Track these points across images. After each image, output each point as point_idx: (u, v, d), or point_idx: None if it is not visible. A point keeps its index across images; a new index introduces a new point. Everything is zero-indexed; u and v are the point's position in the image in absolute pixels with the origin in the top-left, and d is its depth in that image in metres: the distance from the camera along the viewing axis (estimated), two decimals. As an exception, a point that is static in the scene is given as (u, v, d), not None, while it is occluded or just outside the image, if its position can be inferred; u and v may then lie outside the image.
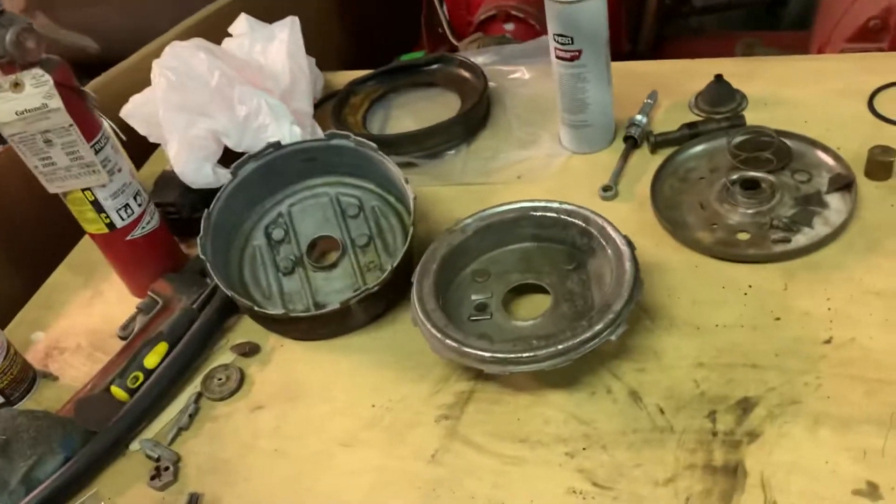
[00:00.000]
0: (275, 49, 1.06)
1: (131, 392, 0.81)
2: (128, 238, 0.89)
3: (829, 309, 0.73)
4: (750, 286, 0.77)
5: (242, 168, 0.89)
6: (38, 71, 0.75)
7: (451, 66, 1.15)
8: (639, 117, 0.97)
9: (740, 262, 0.80)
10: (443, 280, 0.79)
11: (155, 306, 0.89)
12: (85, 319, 0.95)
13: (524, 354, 0.68)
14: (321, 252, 0.92)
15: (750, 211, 0.83)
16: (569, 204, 0.81)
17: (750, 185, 0.85)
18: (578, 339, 0.68)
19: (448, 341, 0.71)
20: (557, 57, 0.90)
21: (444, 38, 1.61)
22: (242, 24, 1.12)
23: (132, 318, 0.90)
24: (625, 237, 0.76)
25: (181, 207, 0.98)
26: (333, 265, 0.89)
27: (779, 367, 0.70)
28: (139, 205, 0.89)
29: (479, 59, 1.16)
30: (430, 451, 0.71)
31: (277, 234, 0.92)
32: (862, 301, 0.73)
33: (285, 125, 0.95)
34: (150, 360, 0.83)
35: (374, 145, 0.88)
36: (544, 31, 1.25)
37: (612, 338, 0.69)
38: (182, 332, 0.86)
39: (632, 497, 0.64)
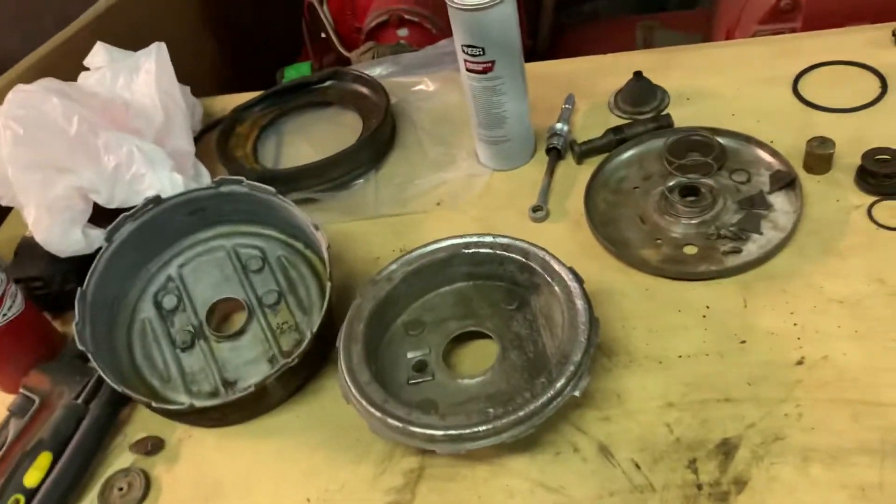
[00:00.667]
0: (142, 81, 0.92)
1: (11, 520, 0.67)
2: (-13, 329, 0.74)
3: (794, 325, 0.68)
4: (707, 307, 0.71)
5: (119, 231, 0.76)
6: None
7: (346, 81, 1.04)
8: (559, 125, 0.89)
9: (692, 279, 0.73)
10: (373, 341, 0.69)
11: (31, 405, 0.75)
12: (-56, 429, 0.79)
13: (481, 428, 0.59)
14: (223, 317, 0.80)
15: (693, 221, 0.77)
16: (504, 237, 0.72)
17: (689, 192, 0.79)
18: (540, 402, 0.59)
19: (390, 420, 0.61)
20: (468, 70, 0.81)
21: (330, 47, 1.49)
22: (100, 55, 0.98)
23: (4, 424, 0.75)
24: (570, 270, 0.68)
25: (50, 280, 0.83)
26: (240, 332, 0.77)
27: (754, 399, 0.64)
28: (-5, 289, 0.74)
29: (375, 72, 1.06)
30: (383, 549, 0.61)
31: (169, 301, 0.79)
32: (827, 311, 0.68)
33: (164, 173, 0.82)
34: (32, 478, 0.69)
35: (271, 189, 0.77)
36: (442, 35, 1.16)
37: (577, 393, 0.60)
38: (68, 435, 0.72)
39: (621, 576, 0.56)
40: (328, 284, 0.72)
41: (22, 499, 0.68)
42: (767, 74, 0.92)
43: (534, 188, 0.86)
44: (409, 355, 0.70)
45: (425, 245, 0.73)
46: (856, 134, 0.81)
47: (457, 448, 0.59)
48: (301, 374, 0.72)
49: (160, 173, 0.82)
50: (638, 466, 0.62)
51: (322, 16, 1.26)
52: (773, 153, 0.80)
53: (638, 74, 0.91)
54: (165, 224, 0.79)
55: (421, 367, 0.69)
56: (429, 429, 0.60)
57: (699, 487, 0.59)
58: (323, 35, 1.43)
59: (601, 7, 1.64)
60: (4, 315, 0.75)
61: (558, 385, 0.60)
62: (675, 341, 0.69)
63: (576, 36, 1.45)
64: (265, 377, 0.67)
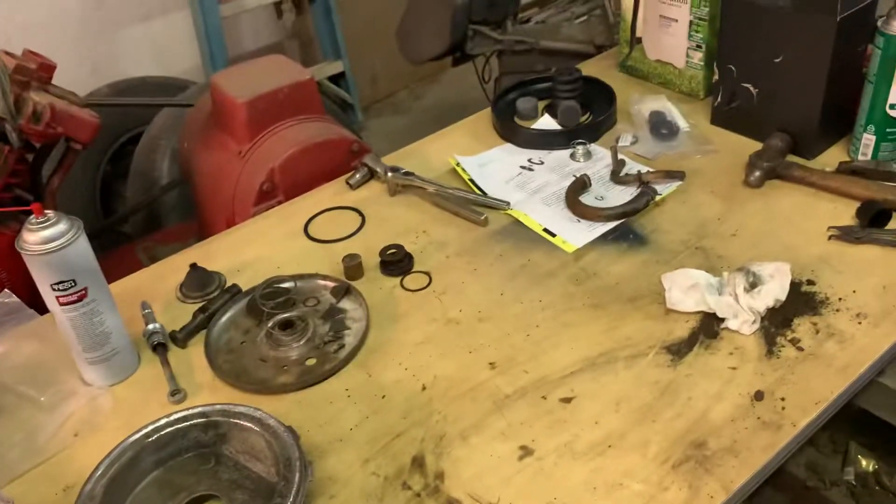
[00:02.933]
0: None
1: None
2: None
3: (406, 369, 0.94)
4: (347, 389, 0.92)
5: None
6: None
7: None
8: (152, 326, 1.01)
9: (325, 378, 0.94)
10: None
11: None
12: None
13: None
14: None
15: (300, 343, 0.98)
16: (175, 413, 0.82)
17: (286, 325, 1.00)
18: (291, 497, 0.72)
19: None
20: (63, 304, 0.88)
21: None
22: None
23: None
24: (246, 406, 0.82)
25: None
26: None
27: (414, 424, 0.87)
28: None
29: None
30: None
31: None
32: (419, 352, 0.96)
33: None
34: None
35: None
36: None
37: (311, 479, 0.75)
38: None
39: (411, 580, 0.72)
40: (32, 534, 0.71)
41: None
42: (283, 233, 1.20)
43: (158, 383, 0.96)
44: (147, 552, 0.74)
45: (108, 454, 0.78)
46: (361, 247, 1.13)
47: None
48: None
49: None
50: (374, 509, 0.78)
51: None
52: (325, 277, 1.07)
53: (194, 265, 1.10)
54: None
55: (165, 552, 0.74)
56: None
57: (419, 496, 0.79)
58: None
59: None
60: None
61: (296, 479, 0.74)
62: (341, 422, 0.88)
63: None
64: None
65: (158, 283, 1.12)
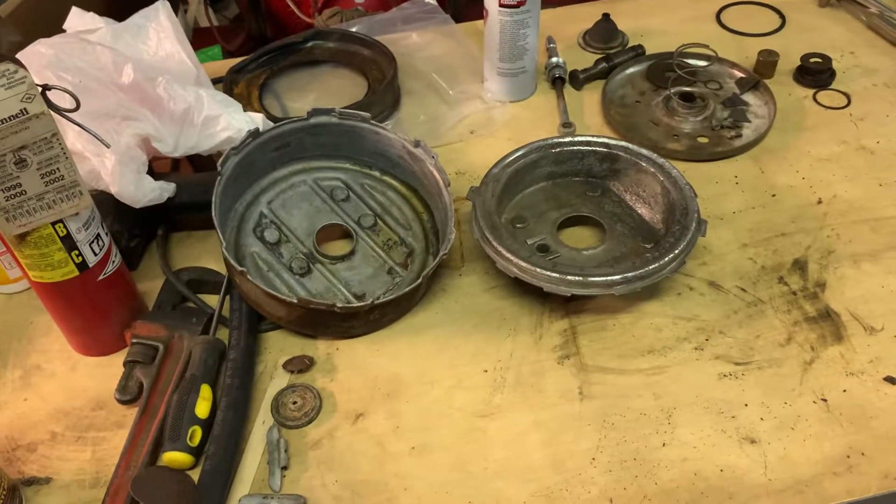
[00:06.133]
0: (159, 39, 0.90)
1: (195, 451, 0.65)
2: (101, 278, 0.70)
3: (803, 178, 0.88)
4: (736, 176, 0.89)
5: (226, 164, 0.76)
6: (9, 66, 0.56)
7: (331, 40, 1.09)
8: (554, 60, 1.03)
9: (714, 159, 0.91)
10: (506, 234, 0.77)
11: (151, 352, 0.72)
12: (37, 404, 0.72)
13: (651, 267, 0.71)
14: (326, 243, 0.83)
15: (698, 118, 0.95)
16: (581, 136, 0.84)
17: (687, 98, 0.97)
18: (685, 241, 0.73)
19: (569, 277, 0.70)
20: (502, 6, 0.92)
21: (231, 32, 1.50)
22: (85, 19, 0.93)
23: (129, 376, 0.72)
24: (650, 151, 0.82)
25: (119, 237, 0.80)
26: (351, 253, 0.80)
27: (801, 230, 0.82)
28: (106, 234, 0.71)
29: (352, 31, 1.12)
30: (575, 389, 0.70)
31: (271, 235, 0.80)
32: (820, 167, 0.89)
33: (237, 114, 0.82)
34: (202, 409, 0.67)
35: (365, 115, 0.82)
36: (396, 2, 1.25)
37: (703, 235, 0.75)
38: (217, 368, 0.71)
39: (770, 362, 0.71)
40: (447, 190, 0.78)
41: (199, 430, 0.66)
42: (693, 15, 1.14)
43: (549, 112, 0.99)
44: (529, 241, 0.80)
45: (515, 150, 0.83)
46: (776, 49, 1.05)
47: (632, 287, 0.70)
48: (436, 276, 0.78)
49: (234, 114, 0.82)
50: (744, 290, 0.77)
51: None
52: (733, 65, 1.02)
53: (606, 16, 1.09)
54: (255, 159, 0.80)
55: (544, 248, 0.79)
56: (605, 276, 0.70)
57: (794, 294, 0.77)
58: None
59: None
60: (113, 262, 0.71)
61: (692, 227, 0.74)
62: (725, 203, 0.86)
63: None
64: (426, 270, 0.73)
65: (561, 26, 1.13)
